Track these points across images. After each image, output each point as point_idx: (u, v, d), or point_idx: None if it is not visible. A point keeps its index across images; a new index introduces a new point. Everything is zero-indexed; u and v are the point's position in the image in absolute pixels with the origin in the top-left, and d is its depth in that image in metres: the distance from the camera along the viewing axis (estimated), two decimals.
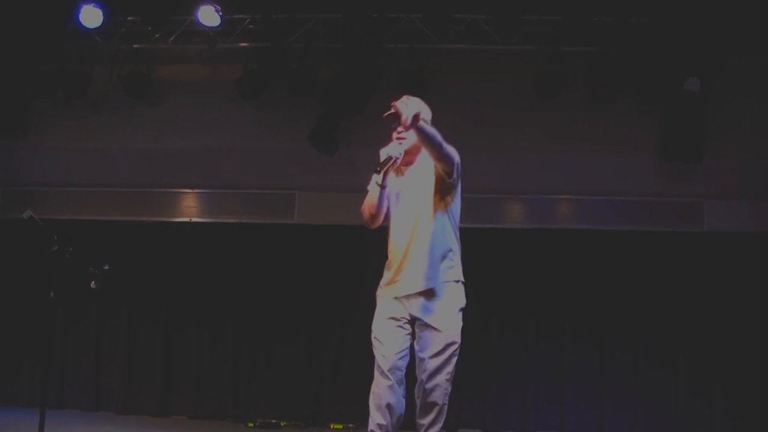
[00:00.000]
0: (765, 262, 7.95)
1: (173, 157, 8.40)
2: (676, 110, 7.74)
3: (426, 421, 4.40)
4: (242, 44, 8.18)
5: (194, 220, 8.53)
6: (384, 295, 4.48)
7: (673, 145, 7.83)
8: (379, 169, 4.30)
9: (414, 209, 4.42)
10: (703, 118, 7.69)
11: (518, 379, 8.06)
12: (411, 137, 4.34)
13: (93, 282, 5.41)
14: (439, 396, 4.37)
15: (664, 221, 8.12)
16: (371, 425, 4.45)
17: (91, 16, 7.74)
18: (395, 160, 4.33)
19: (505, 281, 8.15)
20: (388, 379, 4.39)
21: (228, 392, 8.25)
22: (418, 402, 4.42)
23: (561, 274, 8.14)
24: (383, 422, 4.40)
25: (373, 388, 4.43)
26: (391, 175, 4.45)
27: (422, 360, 4.37)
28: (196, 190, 8.55)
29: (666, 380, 7.91)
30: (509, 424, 7.99)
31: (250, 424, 7.77)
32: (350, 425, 7.69)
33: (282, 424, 7.83)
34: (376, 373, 4.41)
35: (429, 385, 4.35)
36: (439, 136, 4.25)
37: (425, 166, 4.49)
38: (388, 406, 4.40)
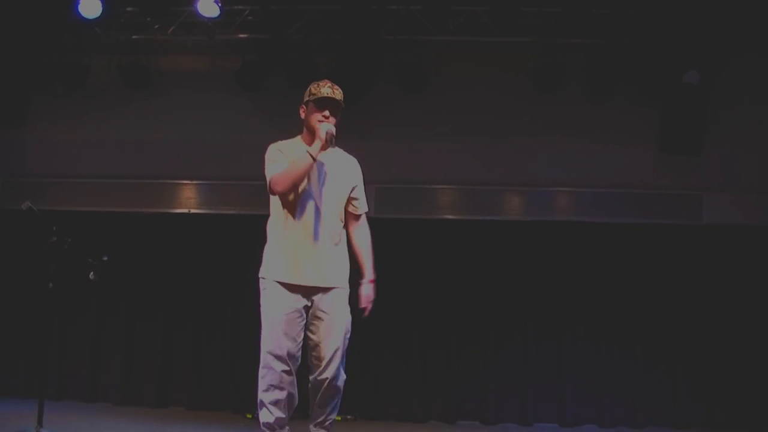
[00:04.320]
0: (764, 255, 7.95)
1: (172, 148, 8.39)
2: (675, 103, 7.76)
3: (329, 408, 4.46)
4: (241, 35, 8.18)
5: (193, 211, 8.52)
6: (282, 280, 4.42)
7: (672, 137, 7.85)
8: (325, 142, 4.35)
9: (333, 206, 4.49)
10: (703, 110, 7.71)
11: (517, 372, 8.05)
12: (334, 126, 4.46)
13: (92, 273, 5.42)
14: (340, 382, 4.44)
15: (662, 214, 8.11)
16: (267, 418, 4.36)
17: (90, 7, 7.72)
18: (332, 141, 4.42)
19: (503, 273, 8.15)
20: (290, 370, 4.36)
21: (227, 383, 8.25)
22: (319, 392, 4.40)
23: (560, 267, 8.13)
24: (283, 415, 4.38)
25: (271, 380, 4.34)
26: (302, 147, 4.47)
27: (325, 347, 4.38)
28: (195, 182, 8.54)
29: (664, 372, 7.92)
30: (508, 416, 8.00)
31: (249, 416, 7.78)
32: (348, 417, 7.70)
33: None
34: (274, 365, 4.33)
35: (331, 374, 4.37)
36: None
37: (344, 169, 4.59)
38: (290, 398, 4.39)
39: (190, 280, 8.39)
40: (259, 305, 4.51)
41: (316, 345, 4.40)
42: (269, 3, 7.91)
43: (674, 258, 8.08)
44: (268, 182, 4.42)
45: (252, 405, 7.92)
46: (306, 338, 4.43)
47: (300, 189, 4.39)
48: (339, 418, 7.72)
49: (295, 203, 4.41)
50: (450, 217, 8.29)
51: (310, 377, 4.44)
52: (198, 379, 8.30)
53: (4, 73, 8.19)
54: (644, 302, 8.01)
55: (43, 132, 8.53)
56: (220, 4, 7.71)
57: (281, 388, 4.33)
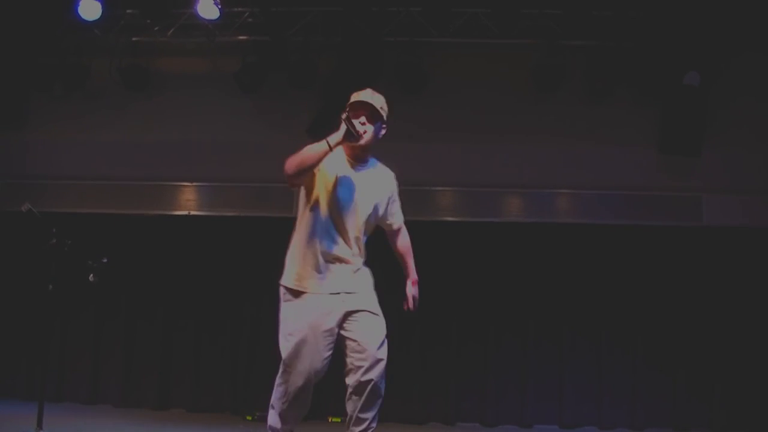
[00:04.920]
0: (764, 257, 7.95)
1: (172, 150, 8.39)
2: (674, 104, 7.76)
3: (371, 414, 4.16)
4: (241, 37, 8.18)
5: (193, 213, 8.51)
6: (311, 291, 4.20)
7: (672, 139, 7.85)
8: (354, 133, 4.16)
9: (367, 215, 4.32)
10: (702, 112, 7.71)
11: (517, 373, 8.06)
12: (371, 134, 4.28)
13: (92, 275, 5.42)
14: (383, 386, 4.15)
15: (662, 215, 8.11)
16: (275, 423, 4.20)
17: (90, 9, 7.73)
18: (358, 137, 4.19)
19: (503, 275, 8.15)
20: (310, 384, 4.15)
21: (227, 385, 8.26)
22: (362, 396, 4.08)
23: (559, 269, 8.13)
24: (292, 424, 4.24)
25: (288, 390, 4.13)
26: (339, 156, 4.29)
27: (368, 345, 4.10)
28: (195, 184, 8.54)
29: (664, 374, 7.92)
30: (508, 417, 8.00)
31: (249, 417, 7.78)
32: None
33: None
34: (296, 379, 4.10)
35: (377, 376, 4.08)
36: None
37: (380, 182, 4.45)
38: (303, 407, 4.23)
39: (191, 283, 8.39)
40: (276, 310, 4.29)
41: (357, 344, 4.11)
42: (269, 5, 7.91)
43: (674, 259, 8.08)
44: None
45: (252, 407, 7.96)
46: (342, 341, 4.17)
47: (335, 198, 4.23)
48: (338, 420, 7.76)
49: (327, 211, 4.23)
50: (450, 219, 8.29)
51: (350, 380, 4.11)
52: (198, 381, 8.30)
53: (4, 74, 8.20)
54: (644, 304, 8.01)
55: (43, 133, 8.52)
56: (220, 6, 7.71)
57: (297, 399, 4.15)
